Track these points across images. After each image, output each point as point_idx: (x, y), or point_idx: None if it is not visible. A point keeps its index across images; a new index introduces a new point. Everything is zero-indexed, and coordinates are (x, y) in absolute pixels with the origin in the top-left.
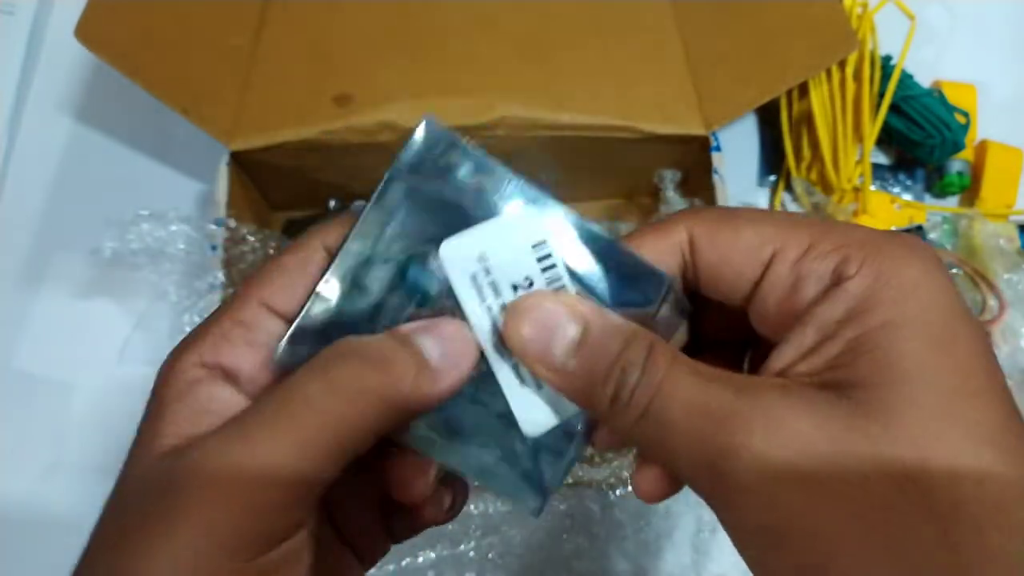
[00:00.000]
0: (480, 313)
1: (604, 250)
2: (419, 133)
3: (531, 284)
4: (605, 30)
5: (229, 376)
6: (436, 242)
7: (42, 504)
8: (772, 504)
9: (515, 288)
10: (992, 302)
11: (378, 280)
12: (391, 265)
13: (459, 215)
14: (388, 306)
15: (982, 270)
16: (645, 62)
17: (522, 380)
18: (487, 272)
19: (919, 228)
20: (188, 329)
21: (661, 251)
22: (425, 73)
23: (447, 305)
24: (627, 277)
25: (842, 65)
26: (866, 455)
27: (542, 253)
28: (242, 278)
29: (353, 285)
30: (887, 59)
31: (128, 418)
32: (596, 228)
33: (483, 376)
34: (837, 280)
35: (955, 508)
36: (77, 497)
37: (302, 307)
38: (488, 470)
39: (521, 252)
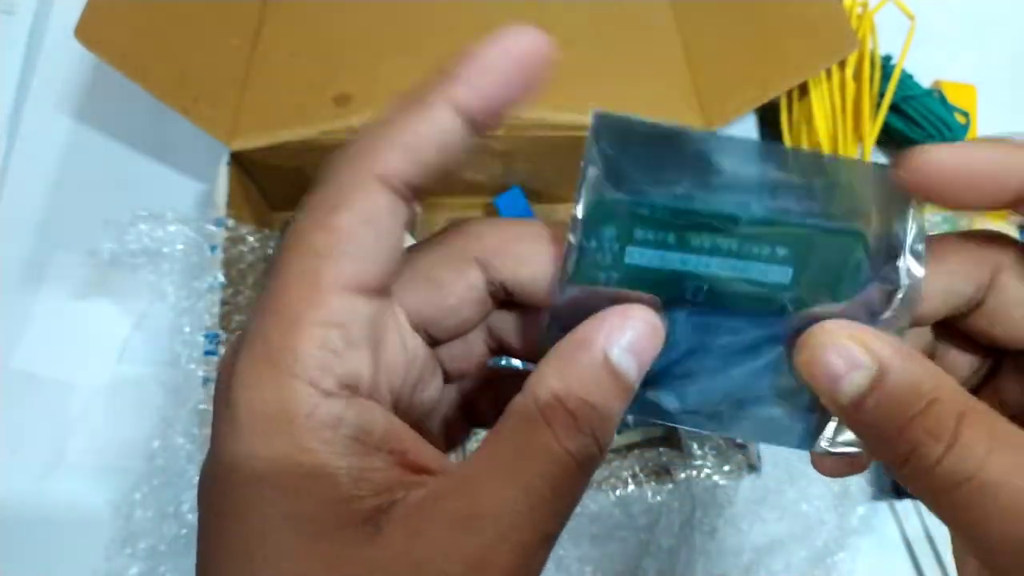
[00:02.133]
0: None
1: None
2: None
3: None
4: (605, 30)
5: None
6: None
7: (42, 503)
8: None
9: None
10: None
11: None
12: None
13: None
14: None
15: None
16: (645, 62)
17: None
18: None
19: None
20: (188, 330)
21: (968, 271)
22: (425, 73)
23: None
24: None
25: (842, 65)
26: None
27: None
28: (242, 278)
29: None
30: (887, 59)
31: (128, 418)
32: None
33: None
34: None
35: None
36: (77, 497)
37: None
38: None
39: None
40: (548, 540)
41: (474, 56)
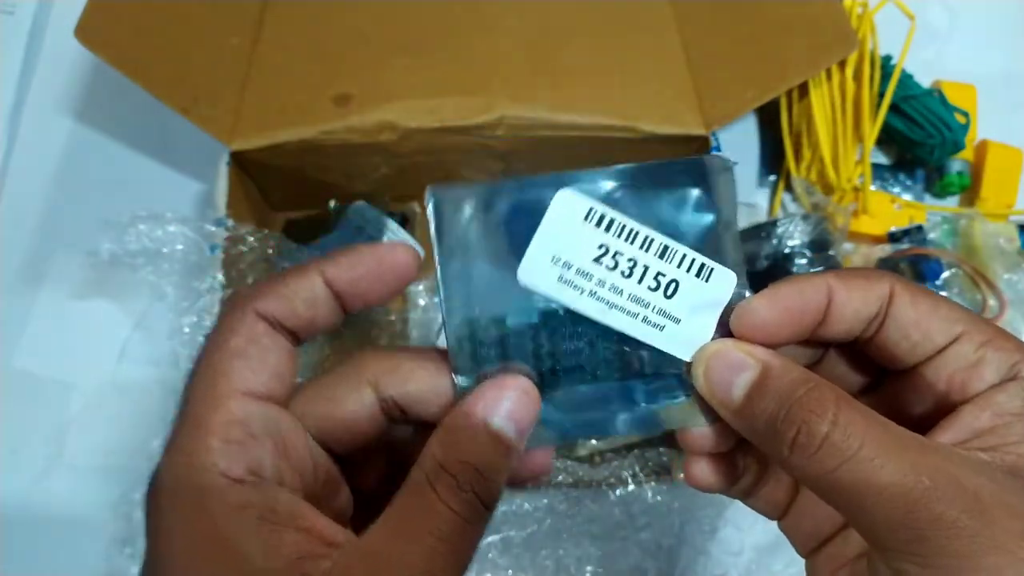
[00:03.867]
0: (587, 302)
1: (638, 178)
2: (430, 209)
3: (607, 250)
4: (605, 30)
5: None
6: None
7: (42, 503)
8: (964, 566)
9: (598, 261)
10: (992, 302)
11: (492, 341)
12: (492, 324)
13: (515, 242)
14: (513, 351)
15: (982, 270)
16: (645, 62)
17: (659, 327)
18: (568, 267)
19: (919, 228)
20: (188, 330)
21: (866, 295)
22: (425, 73)
23: (556, 321)
24: (671, 183)
25: (842, 65)
26: None
27: (596, 219)
28: (242, 278)
29: (474, 356)
30: (887, 59)
31: (128, 418)
32: (612, 169)
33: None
34: (1014, 376)
35: None
36: (77, 497)
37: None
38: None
39: (581, 233)
40: None
41: (355, 250)
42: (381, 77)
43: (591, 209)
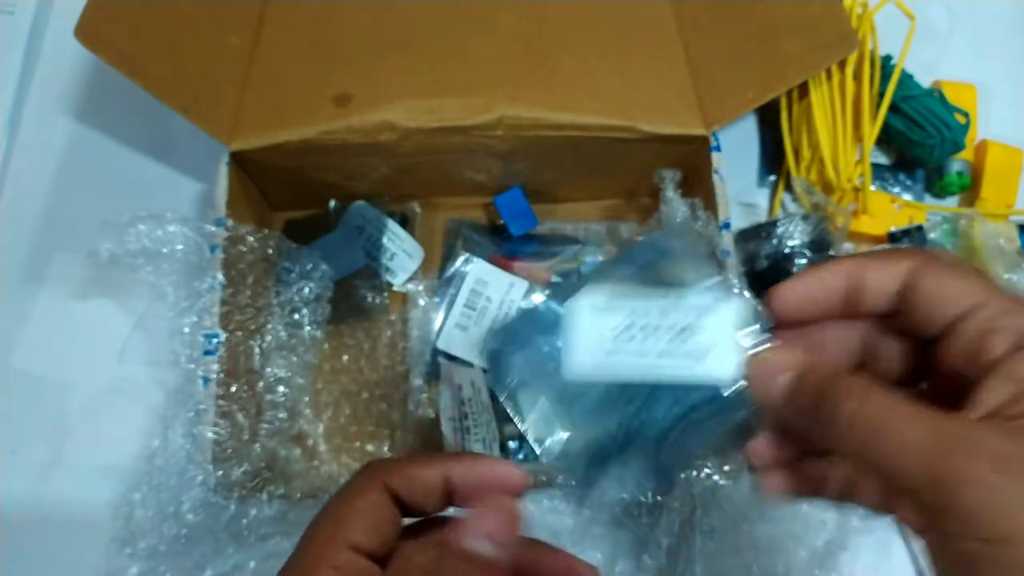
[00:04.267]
0: (631, 369)
1: (626, 266)
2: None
3: (623, 327)
4: (605, 30)
5: None
6: None
7: (42, 503)
8: (997, 518)
9: (620, 337)
10: None
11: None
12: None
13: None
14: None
15: (982, 270)
16: (645, 62)
17: (691, 363)
18: (600, 351)
19: (919, 228)
20: (188, 330)
21: (887, 273)
22: (425, 73)
23: (615, 398)
24: (654, 261)
25: (842, 65)
26: None
27: (604, 309)
28: (242, 278)
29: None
30: (887, 59)
31: (128, 418)
32: (604, 263)
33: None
34: None
35: None
36: (77, 497)
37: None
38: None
39: (598, 323)
40: None
41: (478, 458)
42: (381, 77)
43: (595, 304)
